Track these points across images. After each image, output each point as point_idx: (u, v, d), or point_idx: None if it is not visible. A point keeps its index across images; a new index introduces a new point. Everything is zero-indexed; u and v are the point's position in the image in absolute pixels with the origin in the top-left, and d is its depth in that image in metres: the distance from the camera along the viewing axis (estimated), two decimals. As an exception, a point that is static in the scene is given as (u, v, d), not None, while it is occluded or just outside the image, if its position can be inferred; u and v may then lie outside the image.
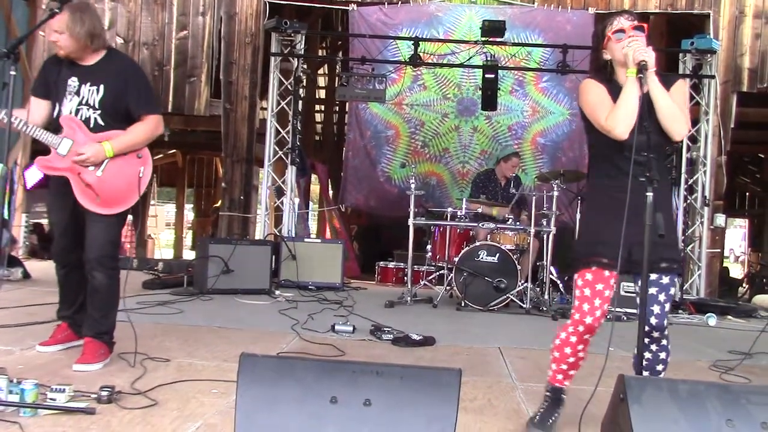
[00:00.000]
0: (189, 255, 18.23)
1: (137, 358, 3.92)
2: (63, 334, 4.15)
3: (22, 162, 8.97)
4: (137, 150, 3.90)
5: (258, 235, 10.00)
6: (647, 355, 3.04)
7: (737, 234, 26.02)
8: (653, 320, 2.98)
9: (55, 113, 3.82)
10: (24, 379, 3.02)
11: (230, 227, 9.82)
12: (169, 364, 3.94)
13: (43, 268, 8.22)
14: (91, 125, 3.81)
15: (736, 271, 18.57)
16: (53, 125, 3.81)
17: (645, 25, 2.94)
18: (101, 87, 3.80)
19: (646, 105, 2.79)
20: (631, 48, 2.84)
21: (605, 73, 3.06)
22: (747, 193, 20.70)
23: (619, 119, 2.84)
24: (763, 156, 17.68)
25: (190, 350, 4.35)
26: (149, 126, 3.88)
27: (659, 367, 3.04)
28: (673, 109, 2.85)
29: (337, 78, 16.27)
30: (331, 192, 16.92)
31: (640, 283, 2.99)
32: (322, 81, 17.17)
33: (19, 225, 8.79)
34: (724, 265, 14.52)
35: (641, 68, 2.80)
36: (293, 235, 9.09)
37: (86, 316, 3.93)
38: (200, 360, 4.11)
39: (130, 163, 3.88)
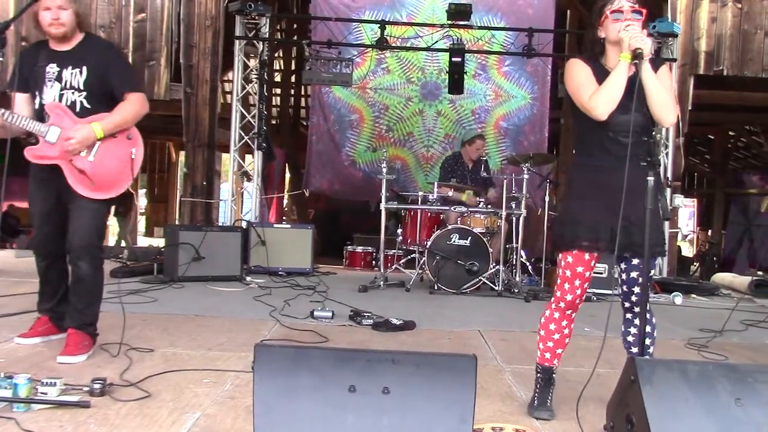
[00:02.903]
0: (143, 241, 17.99)
1: (120, 349, 3.86)
2: (43, 327, 4.04)
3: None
4: (127, 131, 3.82)
5: (221, 221, 9.88)
6: (633, 330, 3.13)
7: (685, 213, 26.68)
8: (633, 298, 3.08)
9: (37, 103, 3.73)
10: (15, 374, 2.94)
11: (193, 213, 9.66)
12: (153, 354, 3.88)
13: (4, 258, 8.02)
14: (77, 109, 3.72)
15: (685, 250, 19.02)
16: (37, 115, 3.71)
17: (644, 10, 2.95)
18: (84, 68, 3.72)
19: (638, 87, 2.82)
20: (628, 33, 2.84)
21: (594, 51, 3.06)
22: (695, 174, 21.20)
23: (601, 100, 2.86)
24: (713, 137, 18.10)
25: (172, 339, 4.29)
26: (135, 104, 3.80)
27: (647, 341, 3.08)
28: (664, 96, 2.88)
29: (294, 61, 16.38)
30: (288, 176, 16.85)
31: (621, 265, 3.06)
32: (277, 64, 17.01)
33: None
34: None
35: (636, 56, 2.81)
36: (259, 221, 9.00)
37: (69, 308, 3.83)
38: (184, 349, 4.05)
39: (121, 145, 3.81)
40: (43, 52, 3.74)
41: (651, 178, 2.71)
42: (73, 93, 3.72)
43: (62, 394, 2.93)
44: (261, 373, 2.22)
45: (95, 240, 3.78)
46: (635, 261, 3.01)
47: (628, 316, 3.14)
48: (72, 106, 3.72)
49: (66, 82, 3.71)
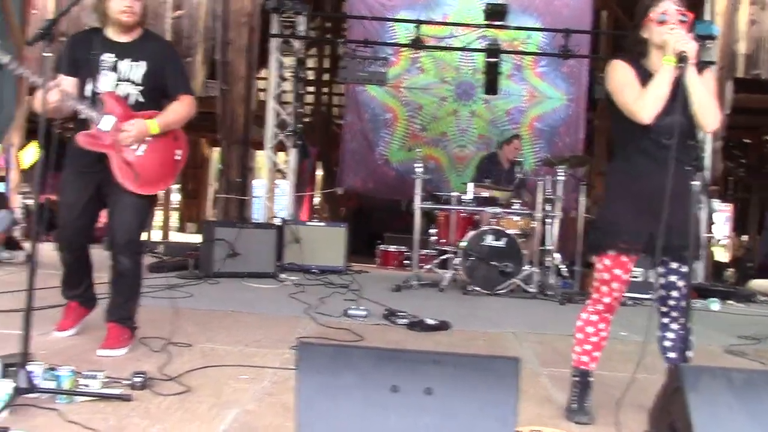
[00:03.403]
0: (176, 236, 18.14)
1: (159, 343, 3.90)
2: (75, 313, 4.06)
3: (17, 142, 8.84)
4: (174, 131, 3.84)
5: (254, 218, 9.94)
6: (670, 335, 3.08)
7: (719, 218, 26.35)
8: (671, 302, 3.03)
9: (89, 89, 3.70)
10: (59, 366, 2.98)
11: (227, 210, 9.73)
12: (192, 349, 3.91)
13: (42, 251, 8.14)
14: (131, 102, 3.73)
15: (720, 255, 18.77)
16: (89, 102, 3.68)
17: (690, 14, 2.91)
18: (143, 63, 3.73)
19: (682, 92, 2.78)
20: (673, 36, 2.80)
21: (636, 52, 3.03)
22: (730, 178, 20.92)
23: (647, 104, 2.82)
24: (749, 141, 17.84)
25: (209, 335, 4.32)
26: (186, 105, 3.83)
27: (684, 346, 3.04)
28: (708, 101, 2.84)
29: (328, 59, 16.40)
30: (321, 174, 16.90)
31: (659, 268, 3.02)
32: (310, 62, 17.05)
33: (15, 207, 8.68)
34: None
35: (681, 59, 2.77)
36: (294, 219, 9.04)
37: (109, 302, 3.86)
38: (222, 345, 4.08)
39: (168, 144, 3.82)
40: (98, 40, 3.71)
41: (697, 182, 2.67)
42: (129, 85, 3.73)
43: (104, 386, 2.96)
44: (304, 370, 2.22)
45: (138, 235, 3.79)
46: (673, 265, 2.98)
47: (665, 320, 3.09)
48: (126, 98, 3.72)
49: (123, 73, 3.71)
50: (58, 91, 3.50)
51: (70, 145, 3.75)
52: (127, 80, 3.72)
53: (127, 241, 3.73)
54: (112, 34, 3.74)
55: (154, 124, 3.70)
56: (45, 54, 2.97)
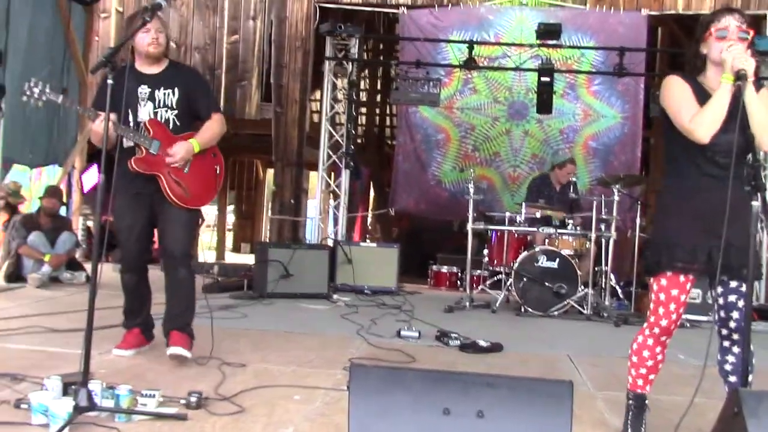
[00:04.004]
0: (230, 257, 18.37)
1: (214, 363, 3.98)
2: (136, 339, 4.24)
3: (79, 166, 9.10)
4: (213, 148, 4.22)
5: (307, 239, 10.04)
6: (731, 358, 2.99)
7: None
8: (732, 324, 2.93)
9: (131, 120, 4.01)
10: (117, 385, 3.05)
11: (281, 231, 9.85)
12: (245, 369, 3.97)
13: (102, 271, 8.32)
14: (170, 126, 4.07)
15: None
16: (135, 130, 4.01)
17: (751, 31, 2.86)
18: (176, 89, 4.08)
19: (741, 110, 2.73)
20: (731, 53, 2.75)
21: (695, 66, 2.97)
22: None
23: (704, 122, 2.77)
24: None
25: (262, 355, 4.38)
26: (219, 123, 4.19)
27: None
28: (766, 120, 2.78)
29: (380, 81, 16.52)
30: (372, 194, 16.98)
31: (718, 288, 2.95)
32: (363, 84, 17.20)
33: (76, 228, 8.92)
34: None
35: (740, 77, 2.71)
36: (346, 239, 9.10)
37: (167, 313, 4.13)
38: (275, 365, 4.13)
39: (208, 161, 4.19)
40: (131, 75, 3.95)
41: (756, 202, 2.61)
42: (166, 111, 4.07)
43: (160, 405, 3.03)
44: (356, 391, 2.23)
45: (190, 247, 4.18)
46: (733, 284, 2.90)
47: (726, 343, 3.00)
48: (166, 123, 4.07)
49: (159, 101, 4.07)
50: (111, 123, 3.69)
51: (119, 172, 3.99)
52: (164, 107, 4.07)
53: (183, 253, 4.09)
54: (142, 67, 4.09)
55: (196, 144, 4.05)
56: (108, 81, 3.09)
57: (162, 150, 3.97)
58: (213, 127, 4.16)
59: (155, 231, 4.20)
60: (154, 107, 4.05)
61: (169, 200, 3.99)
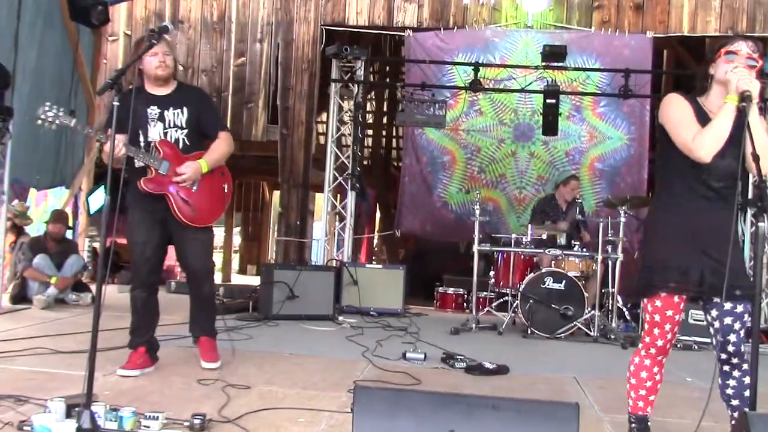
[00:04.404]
0: (237, 279, 18.37)
1: (218, 385, 3.96)
2: (141, 360, 4.24)
3: (85, 188, 9.12)
4: (221, 167, 4.37)
5: (314, 260, 10.03)
6: (732, 382, 2.95)
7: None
8: (730, 348, 2.90)
9: (142, 140, 4.13)
10: (120, 407, 3.03)
11: (286, 252, 9.86)
12: (250, 391, 3.94)
13: (108, 293, 8.32)
14: (180, 146, 4.21)
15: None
16: (145, 150, 4.12)
17: (760, 62, 2.85)
18: (185, 109, 4.22)
19: (740, 132, 2.72)
20: (736, 75, 2.76)
21: (701, 86, 2.98)
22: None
23: (707, 142, 2.77)
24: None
25: (267, 377, 4.35)
26: (227, 141, 4.36)
27: (746, 393, 2.89)
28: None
29: (386, 103, 16.59)
30: (378, 216, 16.98)
31: (712, 311, 2.92)
32: (369, 105, 17.27)
33: (82, 250, 8.93)
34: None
35: (744, 98, 2.71)
36: (352, 261, 9.09)
37: (194, 320, 4.50)
38: (280, 387, 4.10)
39: (216, 180, 4.33)
40: (141, 97, 4.07)
41: (763, 224, 2.60)
42: (176, 131, 4.21)
43: (164, 428, 3.02)
44: (360, 414, 2.22)
45: (211, 263, 4.52)
46: (727, 306, 2.86)
47: (725, 368, 2.95)
48: (176, 143, 4.21)
49: (169, 121, 4.18)
50: (122, 144, 3.87)
51: (132, 190, 4.12)
52: (174, 127, 4.21)
53: (206, 269, 4.39)
54: (151, 89, 4.21)
55: (204, 164, 4.20)
56: (114, 103, 3.11)
57: (171, 170, 4.10)
58: (221, 147, 4.30)
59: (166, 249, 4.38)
60: (164, 127, 4.18)
61: (178, 220, 4.14)
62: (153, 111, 4.17)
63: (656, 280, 2.93)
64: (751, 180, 6.87)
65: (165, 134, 4.17)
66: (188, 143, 4.23)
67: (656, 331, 2.95)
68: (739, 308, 2.87)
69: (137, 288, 4.26)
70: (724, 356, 2.93)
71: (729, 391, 2.96)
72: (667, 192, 3.03)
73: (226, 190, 4.39)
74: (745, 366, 2.90)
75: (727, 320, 2.89)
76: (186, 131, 4.22)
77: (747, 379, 2.90)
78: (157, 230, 4.21)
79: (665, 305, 2.91)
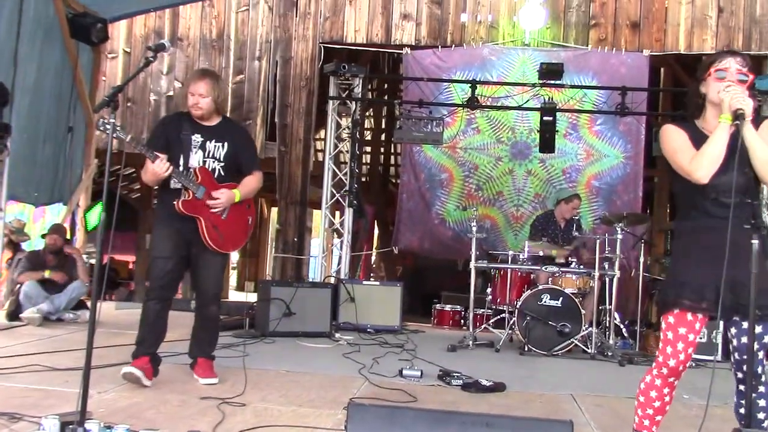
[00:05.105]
0: (235, 296, 18.35)
1: (213, 402, 3.95)
2: (145, 365, 4.29)
3: (83, 204, 9.12)
4: (249, 200, 4.65)
5: (311, 277, 10.02)
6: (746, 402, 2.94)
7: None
8: (747, 368, 2.85)
9: (182, 164, 4.38)
10: (115, 424, 3.02)
11: (284, 269, 9.85)
12: (245, 408, 3.93)
13: (104, 310, 8.30)
14: (216, 176, 4.47)
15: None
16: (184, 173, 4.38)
17: (751, 75, 2.88)
18: (226, 144, 4.49)
19: (740, 148, 2.73)
20: (729, 94, 2.78)
21: (694, 106, 3.00)
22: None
23: (703, 163, 2.79)
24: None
25: (263, 395, 4.34)
26: (257, 179, 4.63)
27: (760, 415, 2.87)
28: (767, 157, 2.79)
29: (384, 120, 16.64)
30: (377, 233, 16.99)
31: (732, 329, 2.92)
32: (367, 123, 17.32)
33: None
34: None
35: (738, 117, 2.74)
36: (349, 278, 9.08)
37: (196, 341, 4.65)
38: (275, 405, 4.09)
39: (243, 211, 4.61)
40: (187, 123, 4.44)
41: (756, 241, 2.61)
42: (214, 162, 4.47)
43: (159, 445, 3.01)
44: (354, 431, 2.21)
45: (221, 287, 4.74)
46: (745, 325, 2.85)
47: (741, 387, 2.92)
48: (212, 172, 4.47)
49: (209, 152, 4.46)
50: (165, 164, 4.17)
51: (162, 208, 4.52)
52: (213, 157, 4.47)
53: (216, 293, 4.60)
54: (198, 118, 4.44)
55: (237, 194, 4.48)
56: (111, 120, 3.13)
57: (206, 196, 4.36)
58: (253, 183, 4.58)
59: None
60: (204, 156, 4.43)
61: (205, 243, 4.37)
62: (196, 139, 4.41)
63: (671, 297, 2.93)
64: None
65: (204, 162, 4.42)
66: (223, 174, 4.48)
67: (669, 349, 2.92)
68: (758, 329, 2.84)
69: (152, 299, 4.40)
70: (740, 375, 2.91)
71: (742, 411, 2.95)
72: (682, 214, 3.06)
73: (250, 222, 4.69)
74: (762, 388, 2.87)
75: (745, 339, 2.86)
76: (223, 164, 4.47)
77: (762, 402, 2.88)
78: (180, 249, 4.40)
79: (678, 322, 2.89)
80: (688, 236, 2.98)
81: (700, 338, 6.26)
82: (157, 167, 4.15)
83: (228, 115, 9.74)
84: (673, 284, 2.96)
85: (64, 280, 7.33)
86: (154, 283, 4.46)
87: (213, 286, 4.56)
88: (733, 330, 2.93)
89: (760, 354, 2.89)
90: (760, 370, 2.88)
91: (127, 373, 4.19)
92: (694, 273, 2.88)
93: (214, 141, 4.46)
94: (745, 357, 2.87)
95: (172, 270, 4.39)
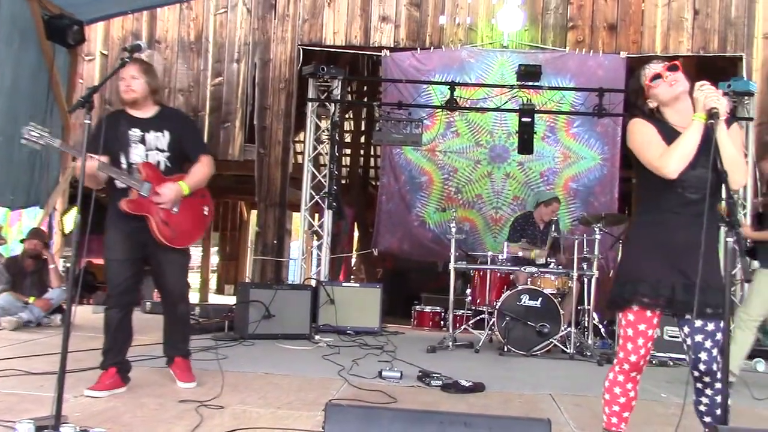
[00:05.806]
0: (214, 299, 18.26)
1: (191, 405, 3.92)
2: (111, 380, 4.20)
3: (60, 208, 9.04)
4: (201, 190, 4.41)
5: (290, 279, 9.99)
6: (705, 399, 2.98)
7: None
8: (702, 366, 2.92)
9: (124, 162, 4.18)
10: (91, 428, 3.00)
11: (263, 271, 9.82)
12: (223, 411, 3.91)
13: (81, 313, 8.24)
14: (162, 168, 4.26)
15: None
16: (127, 171, 4.17)
17: (677, 63, 2.97)
18: (166, 132, 4.29)
19: (714, 146, 2.76)
20: (703, 92, 2.81)
21: (653, 117, 3.04)
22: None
23: (673, 159, 2.82)
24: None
25: (241, 397, 4.32)
26: (207, 165, 4.39)
27: (719, 411, 2.92)
28: (737, 158, 2.82)
29: (364, 122, 16.65)
30: (357, 235, 16.97)
31: (685, 328, 2.96)
32: (347, 125, 17.31)
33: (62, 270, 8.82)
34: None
35: (712, 115, 2.77)
36: (329, 280, 9.07)
37: (170, 341, 4.55)
38: (254, 407, 4.07)
39: (197, 202, 4.38)
40: (124, 119, 4.21)
41: (731, 239, 2.64)
42: (157, 153, 4.26)
43: (136, 449, 2.98)
44: (331, 432, 2.21)
45: (187, 285, 4.60)
46: (698, 324, 2.89)
47: (698, 385, 2.98)
48: (157, 165, 4.25)
49: (150, 144, 4.23)
50: (99, 162, 3.93)
51: (111, 209, 4.20)
52: (155, 149, 4.26)
53: (181, 290, 4.47)
54: (133, 111, 4.27)
55: (185, 186, 4.24)
56: (86, 121, 3.10)
57: (152, 192, 4.15)
58: (202, 170, 4.35)
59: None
60: (146, 149, 4.23)
61: (157, 241, 4.17)
62: (134, 133, 4.21)
63: (627, 294, 2.95)
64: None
65: (146, 156, 4.22)
66: (169, 165, 4.29)
67: (629, 345, 2.96)
68: (710, 326, 2.89)
69: (112, 307, 4.23)
70: (696, 373, 2.96)
71: (702, 408, 2.99)
72: (644, 209, 3.08)
73: (206, 213, 4.46)
74: (718, 385, 2.91)
75: (698, 338, 2.91)
76: (167, 154, 4.28)
77: (719, 398, 2.91)
78: (135, 250, 4.23)
79: (638, 319, 2.93)
80: (649, 231, 3.00)
81: (676, 337, 6.34)
82: (88, 168, 3.75)
83: (207, 117, 9.91)
84: (630, 280, 2.97)
85: (47, 309, 7.27)
86: (112, 290, 4.24)
87: (176, 284, 4.42)
88: (686, 329, 2.96)
89: (714, 351, 2.91)
90: (714, 367, 2.90)
91: (89, 396, 4.05)
92: (650, 269, 2.91)
93: (153, 131, 4.25)
94: (699, 356, 2.92)
95: (127, 276, 4.22)
